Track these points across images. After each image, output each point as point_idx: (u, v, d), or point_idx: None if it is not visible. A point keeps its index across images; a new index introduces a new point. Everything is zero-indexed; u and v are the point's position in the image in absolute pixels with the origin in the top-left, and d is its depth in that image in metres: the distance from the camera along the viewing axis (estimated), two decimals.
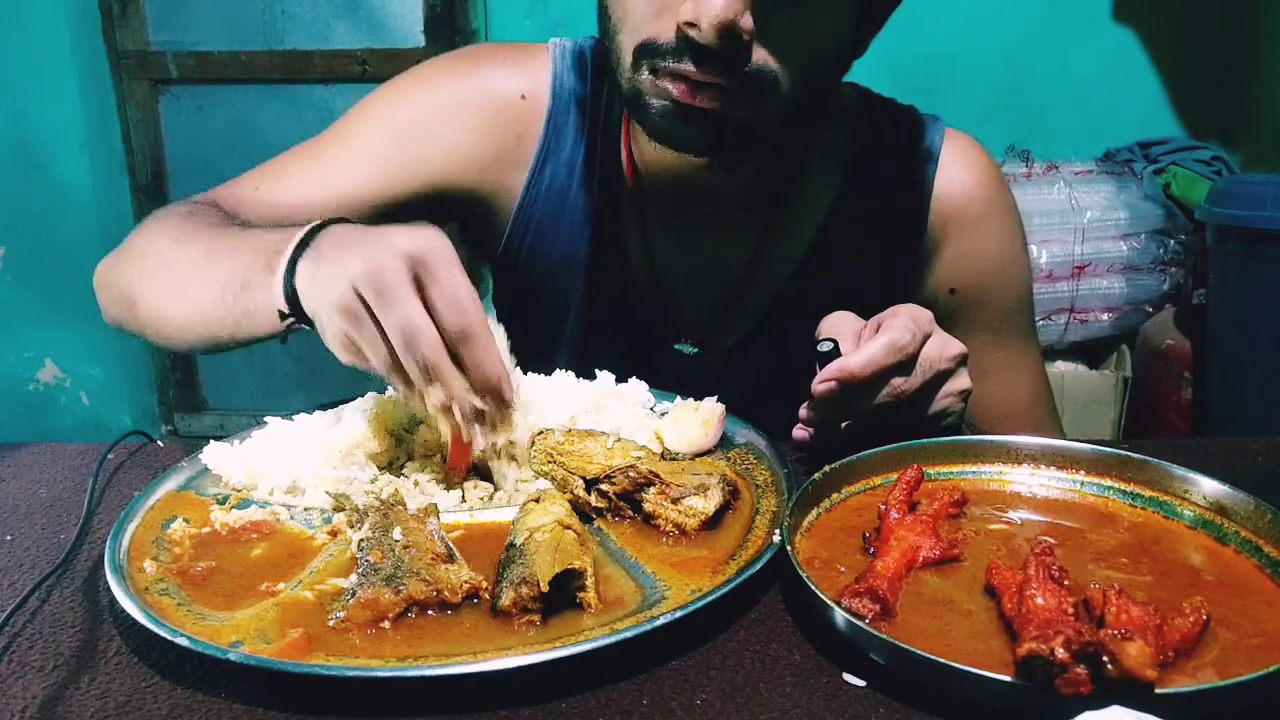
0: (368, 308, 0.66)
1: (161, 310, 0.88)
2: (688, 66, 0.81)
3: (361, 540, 0.63)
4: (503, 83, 1.02)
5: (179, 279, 0.85)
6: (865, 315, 0.82)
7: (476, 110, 1.00)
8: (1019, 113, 2.78)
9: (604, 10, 0.88)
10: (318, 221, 0.75)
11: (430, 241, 0.68)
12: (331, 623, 0.56)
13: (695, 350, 1.05)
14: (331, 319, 0.68)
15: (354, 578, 0.59)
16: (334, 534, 0.69)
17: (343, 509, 0.71)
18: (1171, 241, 2.55)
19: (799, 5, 0.81)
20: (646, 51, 0.83)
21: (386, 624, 0.56)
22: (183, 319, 0.85)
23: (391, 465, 0.79)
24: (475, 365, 0.68)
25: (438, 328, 0.66)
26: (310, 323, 0.72)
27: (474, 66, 1.03)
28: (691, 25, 0.78)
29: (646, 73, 0.84)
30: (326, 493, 0.73)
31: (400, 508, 0.67)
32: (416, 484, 0.75)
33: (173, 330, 0.87)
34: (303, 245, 0.72)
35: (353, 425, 0.78)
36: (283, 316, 0.74)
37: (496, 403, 0.71)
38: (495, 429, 0.73)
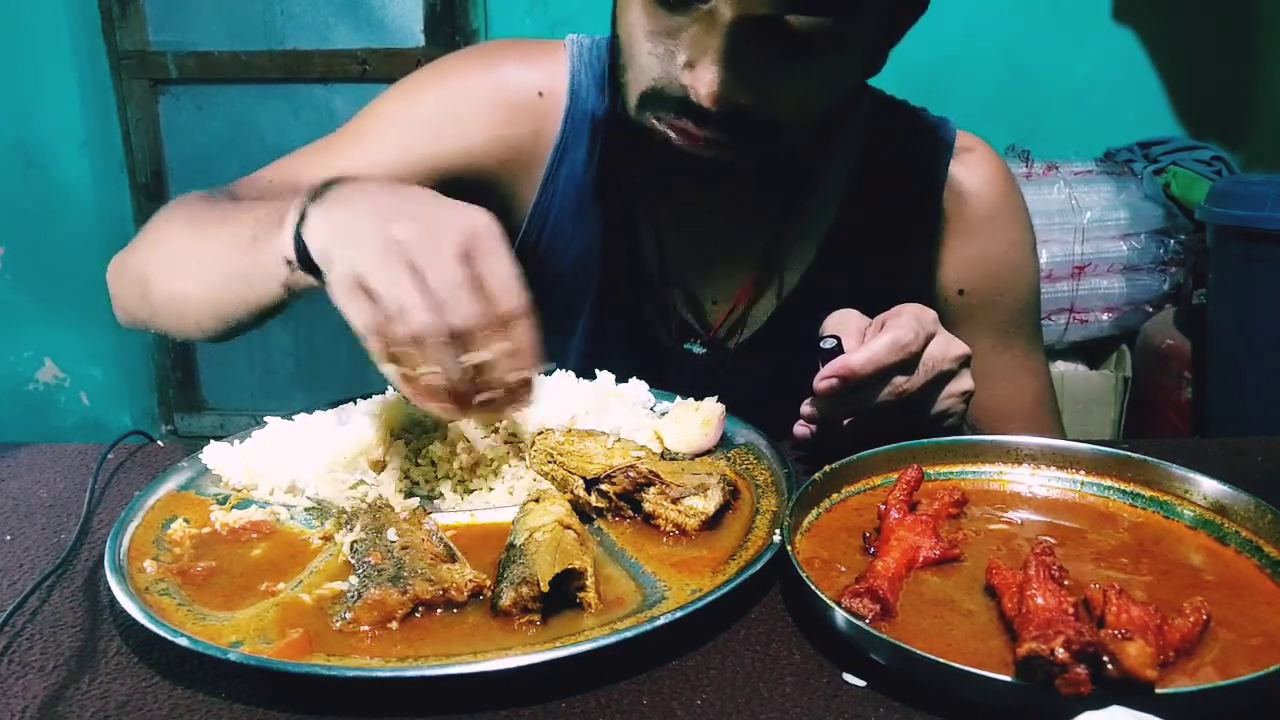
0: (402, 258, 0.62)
1: (173, 286, 0.87)
2: (688, 124, 0.82)
3: (354, 543, 0.63)
4: (519, 79, 1.01)
5: (190, 251, 0.84)
6: (873, 315, 0.82)
7: (492, 107, 1.00)
8: (1019, 113, 2.78)
9: (614, 36, 0.88)
10: (330, 179, 0.73)
11: (480, 221, 0.65)
12: (338, 625, 0.56)
13: (704, 350, 1.06)
14: (354, 257, 0.64)
15: (354, 580, 0.59)
16: (326, 539, 0.68)
17: (330, 514, 0.70)
18: (1171, 241, 2.55)
19: (801, 72, 0.81)
20: (650, 99, 0.84)
21: (394, 624, 0.56)
22: (194, 291, 0.84)
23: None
24: (517, 343, 0.65)
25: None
26: (318, 274, 0.69)
27: (490, 63, 1.02)
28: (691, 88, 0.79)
29: (650, 115, 0.85)
30: (308, 497, 0.73)
31: (389, 509, 0.67)
32: (403, 489, 0.75)
33: (186, 307, 0.86)
34: (316, 197, 0.70)
35: (357, 431, 0.77)
36: (290, 265, 0.71)
37: (518, 391, 0.67)
38: (498, 413, 0.69)
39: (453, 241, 0.63)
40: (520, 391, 0.67)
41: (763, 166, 0.88)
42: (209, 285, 0.82)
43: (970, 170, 1.02)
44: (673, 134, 0.84)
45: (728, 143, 0.83)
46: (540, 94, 1.01)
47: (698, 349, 1.05)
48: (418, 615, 0.58)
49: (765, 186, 1.00)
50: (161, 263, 0.88)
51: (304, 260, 0.70)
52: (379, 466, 0.78)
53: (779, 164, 0.89)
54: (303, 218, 0.70)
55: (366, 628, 0.56)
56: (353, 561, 0.62)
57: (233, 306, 0.81)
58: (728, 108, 0.79)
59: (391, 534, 0.63)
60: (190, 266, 0.84)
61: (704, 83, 0.78)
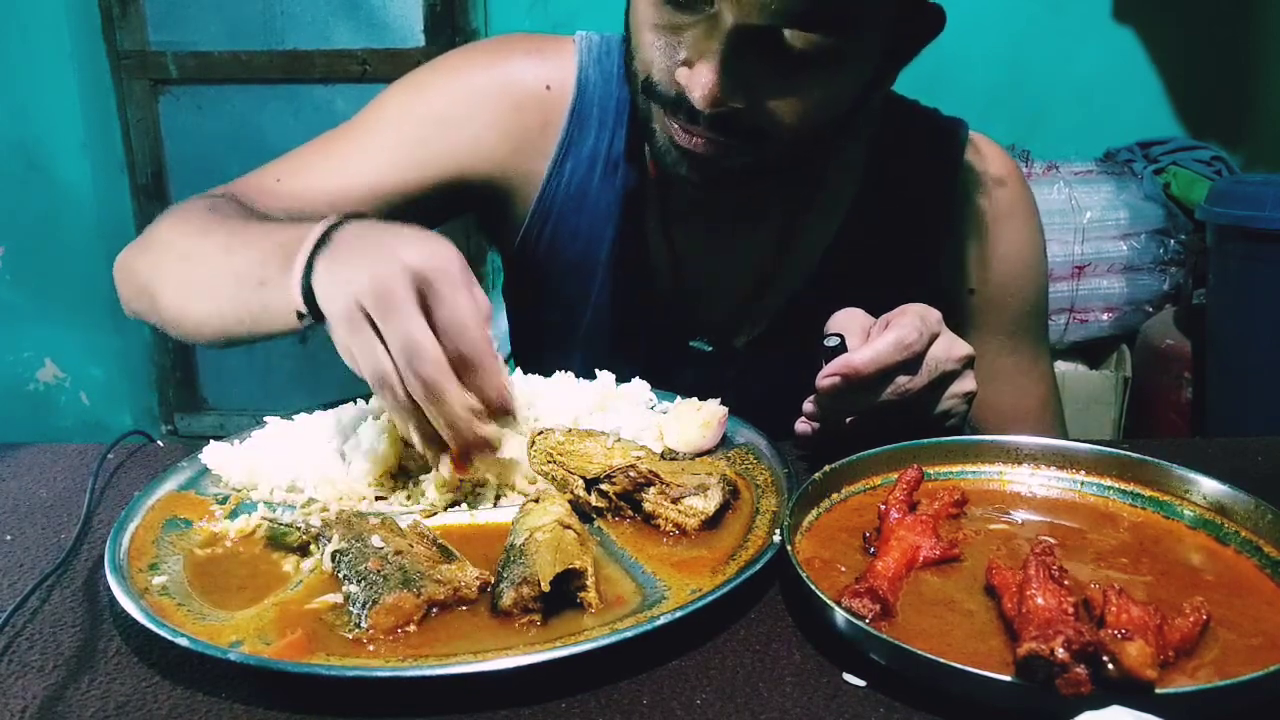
0: (371, 319, 0.65)
1: (181, 305, 0.87)
2: (680, 120, 0.83)
3: (336, 553, 0.61)
4: (527, 73, 1.01)
5: (197, 273, 0.85)
6: (879, 315, 0.81)
7: (500, 100, 1.00)
8: (1019, 112, 2.78)
9: (626, 28, 0.88)
10: (335, 218, 0.74)
11: (439, 257, 0.67)
12: (351, 635, 0.55)
13: (711, 348, 1.05)
14: (335, 327, 0.67)
15: (353, 589, 0.58)
16: (301, 546, 0.67)
17: (293, 533, 0.68)
18: (1171, 241, 2.55)
19: (795, 84, 0.81)
20: (649, 88, 0.85)
21: (412, 627, 0.56)
22: (201, 314, 0.85)
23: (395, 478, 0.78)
24: (477, 390, 0.67)
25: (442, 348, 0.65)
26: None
27: (499, 57, 1.02)
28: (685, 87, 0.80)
29: (651, 104, 0.86)
30: (264, 518, 0.71)
31: (361, 518, 0.66)
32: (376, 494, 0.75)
33: (192, 326, 0.87)
34: (321, 243, 0.72)
35: (376, 447, 0.77)
36: (300, 316, 0.73)
37: (497, 422, 0.69)
38: (490, 452, 0.71)
39: (404, 293, 0.64)
40: (481, 441, 0.69)
41: (758, 170, 0.87)
42: (218, 315, 0.83)
43: (982, 170, 1.02)
44: (669, 124, 0.84)
45: (717, 143, 0.83)
46: (548, 87, 1.01)
47: (704, 347, 1.05)
48: (433, 615, 0.57)
49: (775, 185, 0.99)
50: (169, 281, 0.88)
51: (314, 308, 0.71)
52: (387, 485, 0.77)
53: (773, 169, 0.89)
54: (309, 269, 0.71)
55: (383, 634, 0.55)
56: (343, 573, 0.60)
57: (244, 335, 0.82)
58: (718, 111, 0.80)
59: (376, 540, 0.62)
60: (199, 292, 0.85)
61: (698, 84, 0.78)
